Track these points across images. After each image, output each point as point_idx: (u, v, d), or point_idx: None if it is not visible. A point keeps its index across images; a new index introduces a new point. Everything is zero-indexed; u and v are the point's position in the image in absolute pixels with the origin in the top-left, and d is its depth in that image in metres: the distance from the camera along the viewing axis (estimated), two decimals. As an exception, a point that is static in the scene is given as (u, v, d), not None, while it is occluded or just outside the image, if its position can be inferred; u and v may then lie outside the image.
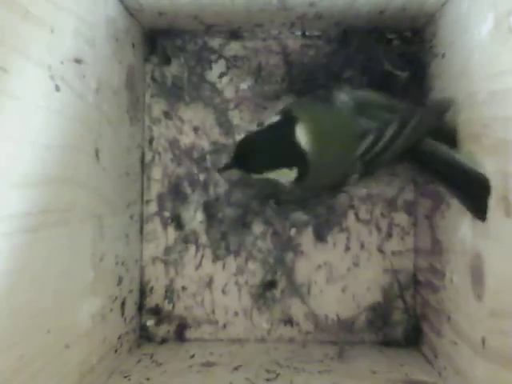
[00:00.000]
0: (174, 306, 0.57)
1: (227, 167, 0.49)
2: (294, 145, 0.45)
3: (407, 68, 0.55)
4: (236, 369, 0.49)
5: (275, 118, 0.47)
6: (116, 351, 0.49)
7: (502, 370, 0.35)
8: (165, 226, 0.58)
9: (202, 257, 0.58)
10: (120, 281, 0.50)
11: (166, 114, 0.58)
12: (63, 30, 0.37)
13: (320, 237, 0.57)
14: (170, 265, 0.57)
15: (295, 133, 0.45)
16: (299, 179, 0.47)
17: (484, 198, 0.38)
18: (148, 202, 0.58)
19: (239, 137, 0.57)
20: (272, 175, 0.47)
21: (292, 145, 0.45)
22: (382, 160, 0.46)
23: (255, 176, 0.48)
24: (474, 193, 0.39)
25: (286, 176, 0.47)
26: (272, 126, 0.46)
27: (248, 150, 0.47)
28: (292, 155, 0.45)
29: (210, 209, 0.57)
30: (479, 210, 0.38)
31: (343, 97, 0.46)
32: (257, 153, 0.46)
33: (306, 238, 0.57)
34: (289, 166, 0.46)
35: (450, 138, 0.44)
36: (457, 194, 0.43)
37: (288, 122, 0.46)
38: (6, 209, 0.30)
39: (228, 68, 0.58)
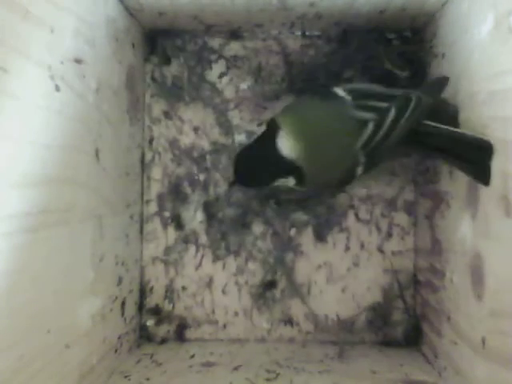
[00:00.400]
0: (173, 306, 0.57)
1: (233, 183, 0.51)
2: (279, 156, 0.46)
3: (407, 68, 0.55)
4: (236, 369, 0.49)
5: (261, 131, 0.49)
6: (116, 351, 0.49)
7: (502, 369, 0.35)
8: (165, 226, 0.58)
9: (202, 257, 0.58)
10: (120, 281, 0.50)
11: (166, 114, 0.58)
12: (63, 30, 0.37)
13: (320, 237, 0.57)
14: (170, 265, 0.57)
15: (276, 144, 0.45)
16: (301, 182, 0.47)
17: (487, 160, 0.37)
18: (148, 201, 0.58)
19: (239, 137, 0.57)
20: (274, 184, 0.48)
21: (277, 156, 0.46)
22: (385, 148, 0.45)
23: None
24: (477, 157, 0.38)
25: (286, 183, 0.48)
26: (258, 139, 0.48)
27: (244, 166, 0.48)
28: (281, 166, 0.46)
29: (210, 209, 0.57)
30: (483, 174, 0.38)
31: (340, 92, 0.46)
32: (252, 169, 0.48)
33: (306, 238, 0.57)
34: (283, 176, 0.47)
35: (451, 122, 0.44)
36: (459, 164, 0.42)
37: (270, 132, 0.46)
38: (6, 209, 0.30)
39: (228, 68, 0.58)
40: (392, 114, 0.44)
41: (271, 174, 0.47)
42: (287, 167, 0.46)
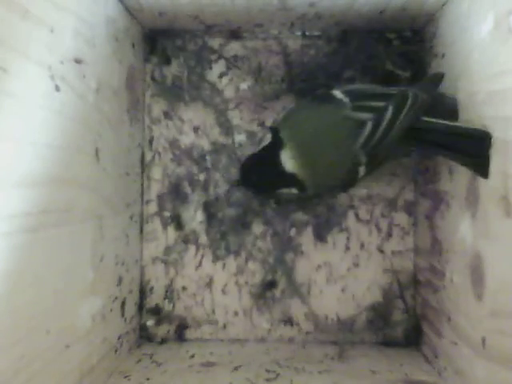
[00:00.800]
0: (174, 306, 0.57)
1: (238, 184, 0.54)
2: (281, 170, 0.48)
3: (409, 68, 0.55)
4: (236, 369, 0.49)
5: (267, 139, 0.50)
6: (116, 351, 0.49)
7: (502, 370, 0.35)
8: (165, 226, 0.58)
9: (202, 257, 0.58)
10: (120, 281, 0.50)
11: (166, 114, 0.58)
12: (63, 29, 0.37)
13: (320, 237, 0.57)
14: (170, 265, 0.57)
15: (279, 158, 0.47)
16: (302, 190, 0.49)
17: (485, 151, 0.37)
18: (148, 202, 0.58)
19: (239, 137, 0.57)
20: (278, 192, 0.51)
21: (279, 170, 0.48)
22: (385, 146, 0.46)
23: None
24: (476, 149, 0.39)
25: (289, 191, 0.50)
26: (262, 150, 0.50)
27: (249, 175, 0.51)
28: (284, 179, 0.48)
29: (210, 209, 0.57)
30: (482, 166, 0.38)
31: (338, 94, 0.47)
32: (256, 179, 0.50)
33: (306, 238, 0.57)
34: (285, 187, 0.49)
35: (450, 115, 0.44)
36: (459, 157, 0.42)
37: (274, 145, 0.48)
38: (7, 209, 0.30)
39: (228, 68, 0.58)
40: (389, 112, 0.45)
41: (275, 185, 0.50)
42: (289, 180, 0.48)
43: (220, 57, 0.57)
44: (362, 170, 0.47)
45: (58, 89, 0.36)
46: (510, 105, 0.34)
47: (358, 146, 0.46)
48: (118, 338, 0.50)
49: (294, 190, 0.49)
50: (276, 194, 0.55)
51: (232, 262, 0.57)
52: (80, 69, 0.40)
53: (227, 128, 0.58)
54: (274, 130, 0.49)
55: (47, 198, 0.35)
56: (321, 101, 0.48)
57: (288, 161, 0.47)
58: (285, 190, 0.50)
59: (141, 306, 0.57)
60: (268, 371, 0.48)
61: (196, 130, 0.58)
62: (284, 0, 0.48)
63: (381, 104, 0.45)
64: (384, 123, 0.45)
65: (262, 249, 0.57)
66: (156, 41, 0.57)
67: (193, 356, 0.52)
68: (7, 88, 0.30)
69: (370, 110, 0.46)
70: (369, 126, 0.45)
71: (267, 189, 0.52)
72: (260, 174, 0.49)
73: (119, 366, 0.49)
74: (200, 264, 0.57)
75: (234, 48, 0.57)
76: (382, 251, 0.57)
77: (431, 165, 0.52)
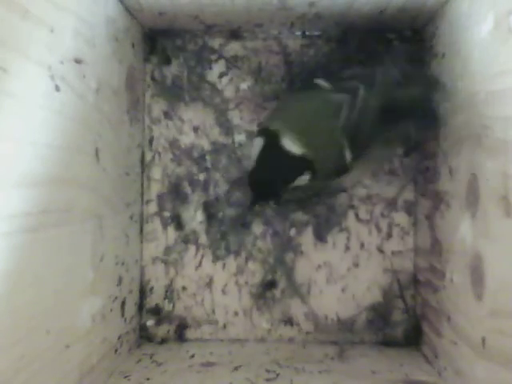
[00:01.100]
0: (174, 306, 0.57)
1: (253, 203, 0.50)
2: (291, 157, 0.46)
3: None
4: (236, 369, 0.49)
5: (259, 143, 0.48)
6: (116, 351, 0.49)
7: (502, 369, 0.35)
8: (165, 226, 0.58)
9: (202, 257, 0.58)
10: (120, 281, 0.50)
11: (166, 114, 0.58)
12: (63, 29, 0.37)
13: (320, 237, 0.57)
14: (170, 265, 0.57)
15: (283, 147, 0.46)
16: (314, 173, 0.48)
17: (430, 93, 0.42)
18: (148, 202, 0.58)
19: (239, 137, 0.57)
20: (293, 185, 0.49)
21: (289, 158, 0.46)
22: (363, 127, 0.47)
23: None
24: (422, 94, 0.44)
25: (301, 180, 0.48)
26: (261, 155, 0.47)
27: (260, 184, 0.48)
28: (297, 166, 0.47)
29: (210, 209, 0.57)
30: (430, 111, 0.43)
31: (320, 82, 0.49)
32: (269, 182, 0.48)
33: (306, 238, 0.57)
34: (299, 174, 0.48)
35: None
36: (416, 119, 0.47)
37: (271, 140, 0.47)
38: (7, 209, 0.30)
39: (228, 68, 0.58)
40: (362, 90, 0.47)
41: (289, 176, 0.48)
42: (301, 164, 0.47)
43: (220, 57, 0.57)
44: (347, 154, 0.48)
45: (58, 89, 0.36)
46: (510, 105, 0.34)
47: (339, 129, 0.47)
48: (118, 338, 0.50)
49: (306, 175, 0.48)
50: (290, 190, 0.54)
51: (232, 262, 0.57)
52: (80, 69, 0.40)
53: (227, 128, 0.58)
54: (264, 131, 0.48)
55: (47, 198, 0.35)
56: (304, 89, 0.50)
57: (291, 145, 0.46)
58: (300, 179, 0.48)
59: (141, 306, 0.57)
60: (268, 371, 0.48)
61: (196, 130, 0.58)
62: (284, 0, 0.48)
63: (355, 83, 0.47)
64: (359, 102, 0.47)
65: (262, 249, 0.57)
66: (156, 41, 0.57)
67: (193, 356, 0.52)
68: (7, 88, 0.30)
69: (345, 91, 0.47)
70: (346, 106, 0.47)
71: (283, 186, 0.49)
72: (271, 175, 0.47)
73: (119, 366, 0.49)
74: (200, 264, 0.57)
75: (234, 48, 0.57)
76: (381, 251, 0.57)
77: (431, 165, 0.52)
